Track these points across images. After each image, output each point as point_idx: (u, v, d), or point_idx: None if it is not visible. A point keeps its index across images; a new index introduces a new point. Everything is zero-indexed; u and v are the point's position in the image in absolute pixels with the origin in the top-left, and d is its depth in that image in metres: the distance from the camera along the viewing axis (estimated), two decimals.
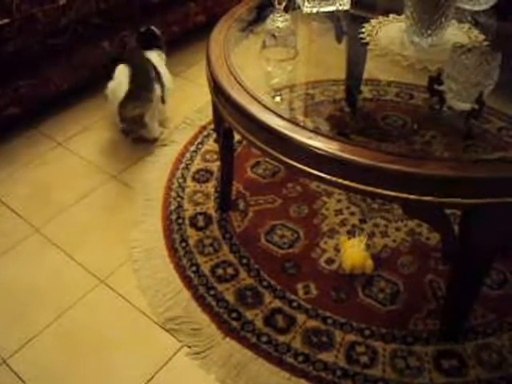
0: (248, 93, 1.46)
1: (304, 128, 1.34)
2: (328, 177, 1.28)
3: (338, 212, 1.94)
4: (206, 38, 1.66)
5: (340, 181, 1.27)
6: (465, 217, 1.31)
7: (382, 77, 2.24)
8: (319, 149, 1.26)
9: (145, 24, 2.40)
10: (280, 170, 2.11)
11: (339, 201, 1.98)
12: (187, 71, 2.79)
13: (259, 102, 1.42)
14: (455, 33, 1.72)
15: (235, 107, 1.44)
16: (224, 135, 1.76)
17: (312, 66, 2.05)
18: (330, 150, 1.25)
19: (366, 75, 2.14)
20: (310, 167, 1.30)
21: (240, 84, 1.49)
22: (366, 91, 2.21)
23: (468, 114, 1.45)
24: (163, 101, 2.28)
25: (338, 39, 2.11)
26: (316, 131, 1.32)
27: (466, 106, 1.40)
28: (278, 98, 1.62)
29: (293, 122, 1.37)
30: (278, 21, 1.68)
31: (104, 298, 1.71)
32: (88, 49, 2.45)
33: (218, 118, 1.69)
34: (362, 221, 1.90)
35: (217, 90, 1.53)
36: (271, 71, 1.63)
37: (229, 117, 1.51)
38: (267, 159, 2.13)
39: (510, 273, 1.71)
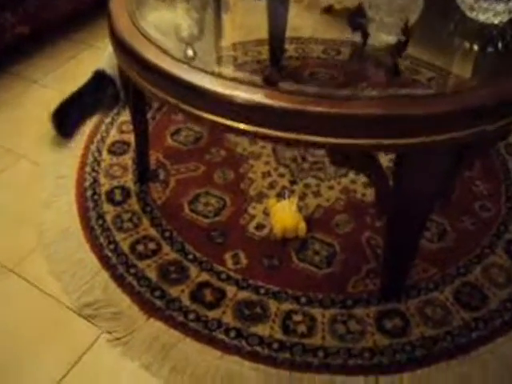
0: (155, 45, 1.30)
1: (222, 77, 1.23)
2: (249, 128, 1.16)
3: (266, 174, 1.83)
4: None
5: (262, 130, 1.15)
6: (399, 162, 1.21)
7: (306, 34, 2.15)
8: (238, 97, 1.13)
9: None
10: (202, 135, 1.99)
11: (267, 163, 1.86)
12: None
13: (169, 55, 1.27)
14: None
15: (141, 63, 1.28)
16: (134, 98, 1.60)
17: (231, 22, 1.92)
18: (249, 98, 1.13)
19: (290, 33, 2.04)
20: (229, 119, 1.17)
21: (145, 37, 1.33)
22: (291, 50, 2.12)
23: (394, 48, 1.34)
24: None
25: None
26: (235, 79, 1.19)
27: (392, 39, 1.29)
28: (190, 52, 1.47)
29: (208, 72, 1.23)
30: None
31: (14, 289, 1.55)
32: None
33: (124, 79, 1.52)
34: (292, 182, 1.80)
35: (119, 45, 1.37)
36: (181, 23, 1.47)
37: (135, 74, 1.35)
38: (188, 125, 1.99)
39: (449, 225, 1.66)
